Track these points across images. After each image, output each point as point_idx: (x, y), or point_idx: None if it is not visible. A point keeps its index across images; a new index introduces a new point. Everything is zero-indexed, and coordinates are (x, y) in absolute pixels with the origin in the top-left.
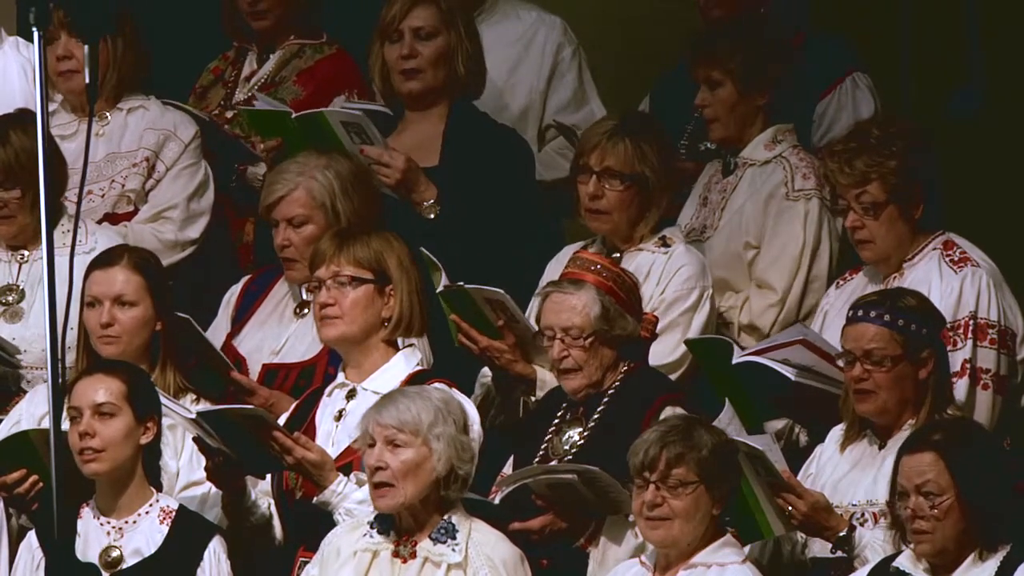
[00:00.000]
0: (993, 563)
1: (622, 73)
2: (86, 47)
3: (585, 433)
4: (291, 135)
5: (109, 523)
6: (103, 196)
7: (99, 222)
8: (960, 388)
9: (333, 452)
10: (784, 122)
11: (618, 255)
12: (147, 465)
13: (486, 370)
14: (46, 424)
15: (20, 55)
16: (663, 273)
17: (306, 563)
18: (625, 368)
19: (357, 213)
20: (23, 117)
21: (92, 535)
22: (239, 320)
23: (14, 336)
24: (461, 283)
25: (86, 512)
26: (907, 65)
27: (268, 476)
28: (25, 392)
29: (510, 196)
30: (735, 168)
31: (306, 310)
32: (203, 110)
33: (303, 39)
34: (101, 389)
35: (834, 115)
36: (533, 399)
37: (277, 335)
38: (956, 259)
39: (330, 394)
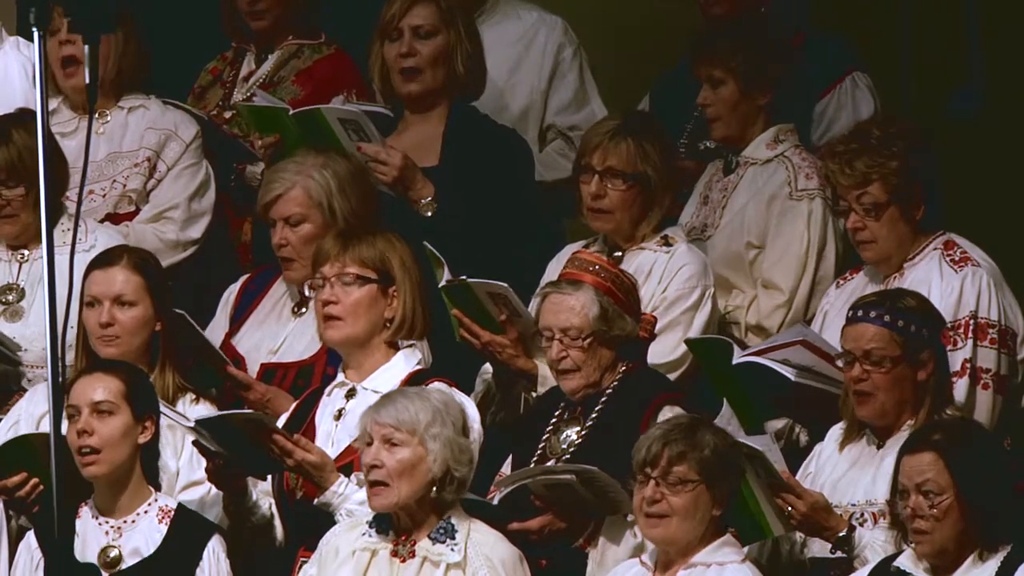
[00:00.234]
0: (993, 563)
1: (622, 73)
2: (86, 47)
3: (583, 433)
4: (289, 132)
5: (108, 523)
6: (104, 196)
7: (101, 222)
8: (960, 388)
9: (333, 452)
10: (784, 122)
11: (619, 254)
12: (145, 465)
13: (487, 366)
14: (45, 423)
15: (21, 54)
16: (665, 272)
17: (307, 563)
18: (624, 368)
19: (354, 212)
20: (24, 116)
21: (91, 535)
22: (237, 319)
23: (14, 335)
24: (464, 277)
25: (84, 512)
26: (907, 65)
27: (269, 476)
28: (25, 391)
29: (510, 196)
30: (736, 167)
31: (304, 309)
32: (201, 110)
33: (301, 39)
34: (100, 387)
35: (834, 115)
36: (534, 394)
37: (275, 334)
38: (956, 259)
39: (330, 394)
